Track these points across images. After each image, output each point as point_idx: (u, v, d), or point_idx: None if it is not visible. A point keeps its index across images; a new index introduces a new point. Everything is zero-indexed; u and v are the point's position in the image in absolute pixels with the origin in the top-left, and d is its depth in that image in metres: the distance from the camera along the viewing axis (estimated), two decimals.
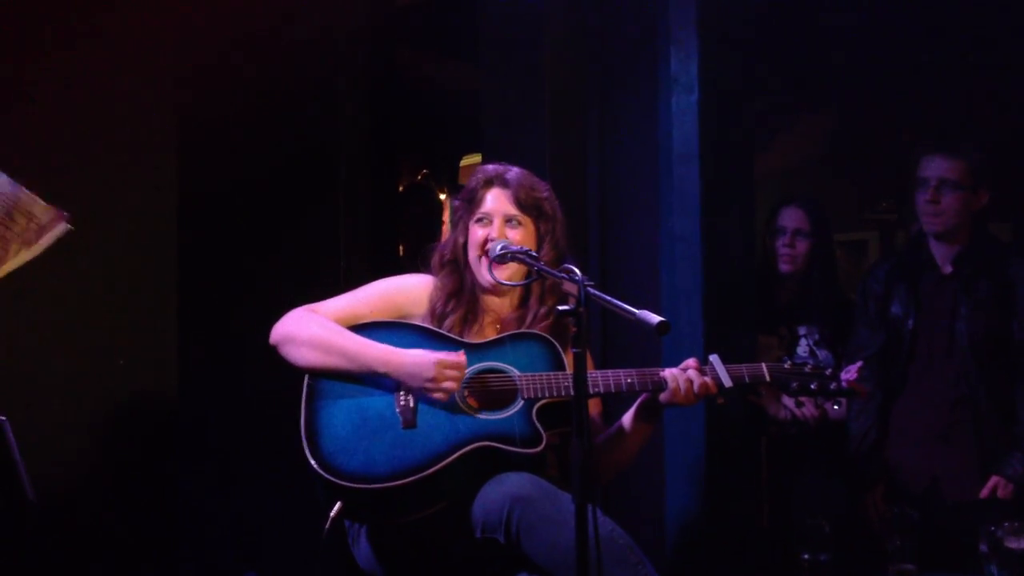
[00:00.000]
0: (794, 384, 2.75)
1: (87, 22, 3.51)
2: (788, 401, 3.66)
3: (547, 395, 2.64)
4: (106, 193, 3.52)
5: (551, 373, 2.68)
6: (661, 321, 2.26)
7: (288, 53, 3.93)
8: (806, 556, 2.95)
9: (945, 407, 3.40)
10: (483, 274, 2.80)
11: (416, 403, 2.64)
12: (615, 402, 2.96)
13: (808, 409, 3.61)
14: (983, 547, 2.82)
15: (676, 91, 3.54)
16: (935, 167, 3.41)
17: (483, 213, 2.83)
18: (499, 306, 2.88)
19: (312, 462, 2.55)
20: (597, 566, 2.17)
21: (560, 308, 2.29)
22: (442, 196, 5.73)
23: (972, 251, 3.42)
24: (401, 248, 4.85)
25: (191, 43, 3.76)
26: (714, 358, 2.73)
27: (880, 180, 5.42)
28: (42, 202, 2.47)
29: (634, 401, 2.80)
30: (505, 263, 2.75)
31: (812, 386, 2.75)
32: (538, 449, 2.59)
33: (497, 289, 2.82)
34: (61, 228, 2.49)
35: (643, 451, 2.87)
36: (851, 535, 3.35)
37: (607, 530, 2.42)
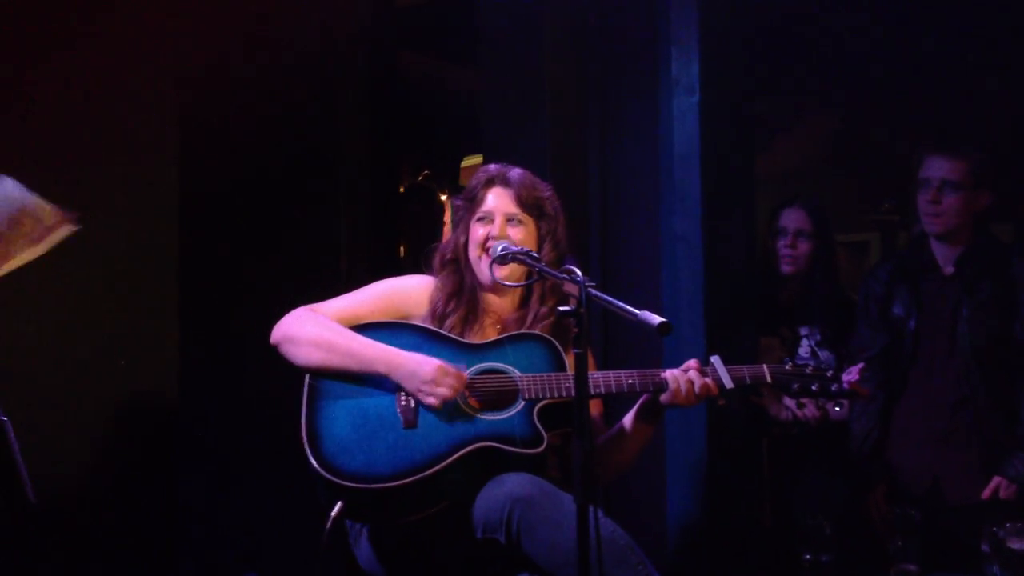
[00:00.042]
0: (795, 385, 2.75)
1: (87, 22, 3.51)
2: (789, 402, 3.65)
3: (548, 396, 2.64)
4: (107, 193, 3.52)
5: (552, 374, 2.68)
6: (662, 322, 2.26)
7: (289, 54, 3.94)
8: (808, 557, 2.94)
9: (947, 408, 3.40)
10: (483, 271, 2.79)
11: (417, 403, 2.64)
12: (616, 403, 2.96)
13: (809, 410, 3.60)
14: (985, 548, 2.81)
15: (677, 92, 3.54)
16: (937, 168, 3.41)
17: (484, 212, 2.83)
18: (500, 306, 2.88)
19: (313, 462, 2.55)
20: (598, 567, 2.16)
21: (561, 309, 2.29)
22: (443, 197, 5.73)
23: (974, 252, 3.42)
24: (402, 249, 4.85)
25: (192, 44, 3.76)
26: (715, 359, 2.73)
27: (882, 181, 5.40)
28: (50, 206, 2.47)
29: (635, 402, 2.79)
30: (506, 264, 2.75)
31: (813, 387, 2.75)
32: (539, 450, 2.58)
33: (497, 288, 2.82)
34: (68, 228, 2.49)
35: (644, 452, 2.86)
36: (853, 536, 3.35)
37: (608, 531, 2.42)
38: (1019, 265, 3.39)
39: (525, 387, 2.66)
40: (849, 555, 3.07)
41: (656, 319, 2.27)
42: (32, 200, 2.43)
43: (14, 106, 3.34)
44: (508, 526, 2.45)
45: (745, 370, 2.74)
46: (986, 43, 4.50)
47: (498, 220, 2.81)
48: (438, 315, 2.81)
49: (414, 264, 2.96)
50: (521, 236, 2.80)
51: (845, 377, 2.75)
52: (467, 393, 2.67)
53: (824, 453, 3.70)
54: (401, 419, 2.62)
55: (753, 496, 3.68)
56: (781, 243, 3.84)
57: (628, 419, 2.81)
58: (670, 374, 2.68)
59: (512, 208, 2.82)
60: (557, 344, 2.74)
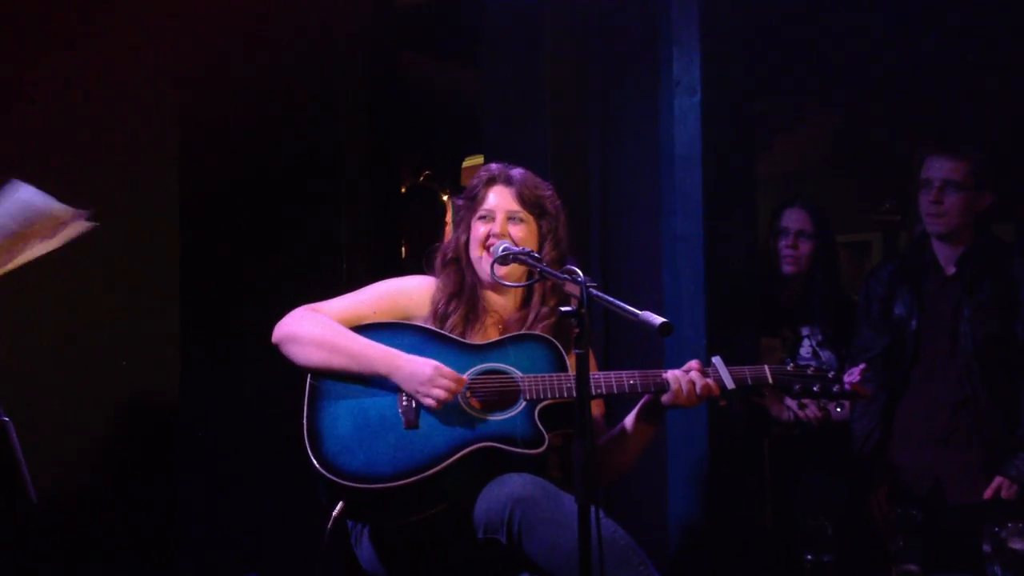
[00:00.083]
0: (797, 386, 2.75)
1: (87, 22, 3.50)
2: (791, 402, 3.65)
3: (549, 396, 2.64)
4: (107, 193, 3.50)
5: (553, 374, 2.68)
6: (664, 322, 2.25)
7: (289, 54, 3.93)
8: (809, 557, 2.94)
9: (948, 408, 3.40)
10: (484, 269, 2.79)
11: (418, 404, 2.63)
12: (617, 404, 2.95)
13: (811, 410, 3.60)
14: (987, 548, 2.80)
15: (678, 92, 3.54)
16: (938, 168, 3.41)
17: (486, 210, 2.83)
18: (502, 306, 2.88)
19: (314, 462, 2.55)
20: (599, 567, 2.16)
21: (562, 309, 2.28)
22: (444, 197, 5.73)
23: (975, 252, 3.42)
24: (404, 249, 4.84)
25: (192, 43, 3.76)
26: (717, 360, 2.73)
27: (883, 181, 5.41)
28: (65, 207, 2.47)
29: (636, 403, 2.79)
30: (507, 264, 2.75)
31: (815, 388, 2.75)
32: (540, 450, 2.58)
33: (498, 287, 2.82)
34: (82, 225, 2.49)
35: (645, 453, 2.86)
36: (854, 536, 3.35)
37: (609, 531, 2.41)
38: (1020, 265, 3.39)
39: (526, 387, 2.65)
40: (850, 555, 3.06)
41: (657, 319, 2.26)
42: (50, 204, 2.43)
43: (14, 106, 3.34)
44: (509, 526, 2.44)
45: (747, 371, 2.73)
46: (986, 43, 4.50)
47: (499, 218, 2.81)
48: (439, 315, 2.81)
49: (416, 265, 2.95)
50: (522, 234, 2.80)
51: (846, 378, 2.75)
52: (468, 394, 2.66)
53: (825, 453, 3.70)
54: (402, 419, 2.62)
55: (754, 496, 3.67)
56: (782, 243, 3.83)
57: (629, 420, 2.81)
58: (671, 375, 2.68)
59: (513, 206, 2.82)
60: (558, 344, 2.74)
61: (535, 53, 3.78)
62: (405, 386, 2.63)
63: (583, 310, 2.24)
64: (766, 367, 2.76)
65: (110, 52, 3.56)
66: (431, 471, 2.53)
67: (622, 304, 2.33)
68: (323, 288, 2.91)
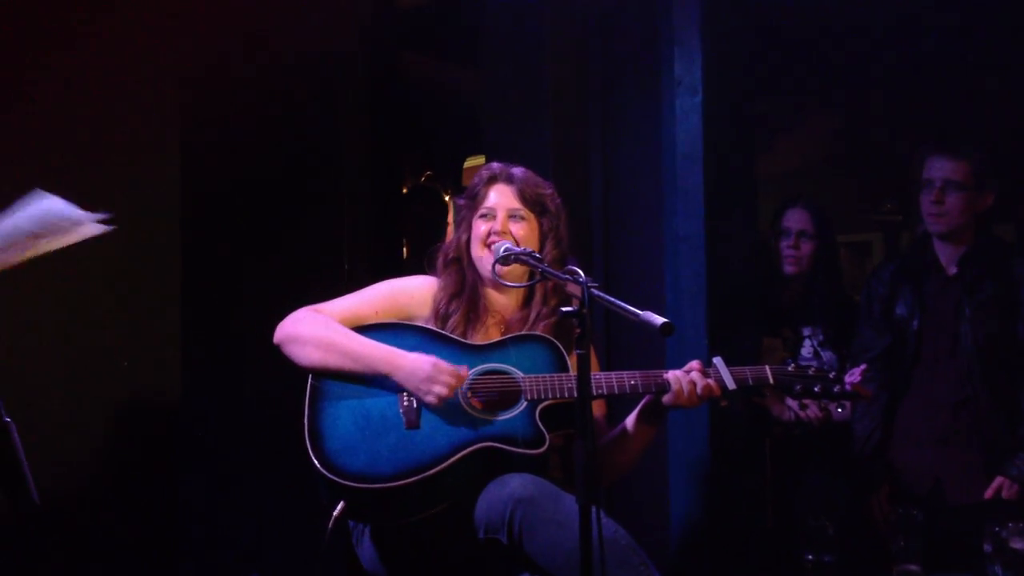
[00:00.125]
0: (798, 387, 2.75)
1: (87, 22, 3.50)
2: (792, 402, 3.65)
3: (550, 396, 2.64)
4: (108, 193, 3.49)
5: (554, 375, 2.67)
6: (665, 322, 2.25)
7: (289, 54, 3.93)
8: (810, 557, 2.94)
9: (949, 408, 3.40)
10: (486, 268, 2.79)
11: (420, 404, 2.63)
12: (619, 404, 2.95)
13: (812, 410, 3.60)
14: (987, 547, 2.81)
15: (680, 92, 3.54)
16: (939, 168, 3.41)
17: (487, 209, 2.83)
18: (503, 306, 2.87)
19: (315, 462, 2.54)
20: (600, 567, 2.16)
21: (564, 309, 2.28)
22: (446, 198, 5.73)
23: (976, 252, 3.42)
24: (405, 250, 4.84)
25: (192, 43, 3.75)
26: (718, 360, 2.72)
27: (884, 181, 5.41)
28: (85, 216, 2.47)
29: (637, 403, 2.79)
30: (508, 264, 2.74)
31: (816, 389, 2.74)
32: (541, 450, 2.58)
33: (500, 286, 2.82)
34: (96, 228, 2.49)
35: (646, 453, 2.86)
36: (855, 536, 3.35)
37: (610, 531, 2.41)
38: (1021, 265, 3.39)
39: (527, 388, 2.65)
40: (851, 555, 3.06)
41: (658, 320, 2.26)
42: (73, 211, 2.44)
43: (14, 105, 3.33)
44: (510, 526, 2.44)
45: (748, 371, 2.73)
46: (986, 43, 4.50)
47: (500, 216, 2.81)
48: (441, 315, 2.81)
49: (417, 265, 2.95)
50: (523, 232, 2.80)
51: (847, 378, 2.74)
52: (469, 394, 2.66)
53: (826, 454, 3.70)
54: (403, 419, 2.62)
55: (755, 497, 3.67)
56: (783, 243, 3.83)
57: (630, 420, 2.80)
58: (672, 375, 2.68)
59: (515, 204, 2.83)
60: (559, 345, 2.74)
61: (536, 53, 3.78)
62: (406, 384, 2.63)
63: (584, 310, 2.23)
64: (767, 367, 2.75)
65: (111, 52, 3.56)
66: (432, 471, 2.53)
67: (623, 304, 2.33)
68: (324, 288, 2.91)
